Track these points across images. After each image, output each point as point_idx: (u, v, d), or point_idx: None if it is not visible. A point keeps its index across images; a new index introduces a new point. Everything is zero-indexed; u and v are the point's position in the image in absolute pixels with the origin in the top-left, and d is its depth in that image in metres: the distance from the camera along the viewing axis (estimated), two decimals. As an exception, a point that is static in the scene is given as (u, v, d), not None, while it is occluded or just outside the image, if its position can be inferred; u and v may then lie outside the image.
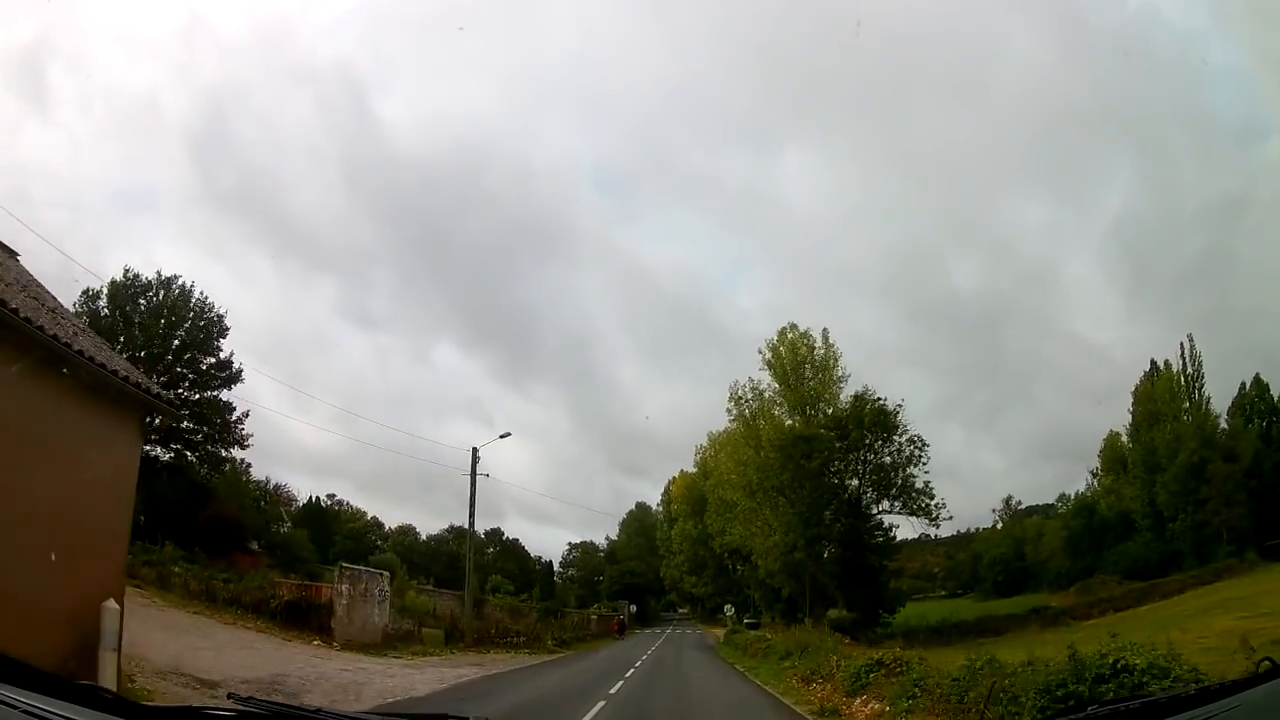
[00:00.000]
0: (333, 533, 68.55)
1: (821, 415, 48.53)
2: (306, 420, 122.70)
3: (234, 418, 41.17)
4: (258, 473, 63.82)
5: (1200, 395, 56.84)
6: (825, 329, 52.34)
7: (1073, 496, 72.78)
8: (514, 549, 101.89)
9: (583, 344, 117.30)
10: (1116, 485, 60.13)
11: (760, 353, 50.70)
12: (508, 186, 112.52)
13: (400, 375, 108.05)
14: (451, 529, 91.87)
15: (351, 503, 78.65)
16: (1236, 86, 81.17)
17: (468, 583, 36.07)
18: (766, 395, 51.29)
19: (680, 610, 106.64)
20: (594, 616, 58.24)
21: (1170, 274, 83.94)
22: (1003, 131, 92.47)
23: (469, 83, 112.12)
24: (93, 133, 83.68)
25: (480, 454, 36.08)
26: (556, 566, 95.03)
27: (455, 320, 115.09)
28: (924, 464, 45.88)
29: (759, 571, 55.46)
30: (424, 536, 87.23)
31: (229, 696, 2.21)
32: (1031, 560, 66.96)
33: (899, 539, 49.21)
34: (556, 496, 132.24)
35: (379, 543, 77.06)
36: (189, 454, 40.11)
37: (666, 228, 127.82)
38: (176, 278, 41.35)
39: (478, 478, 35.21)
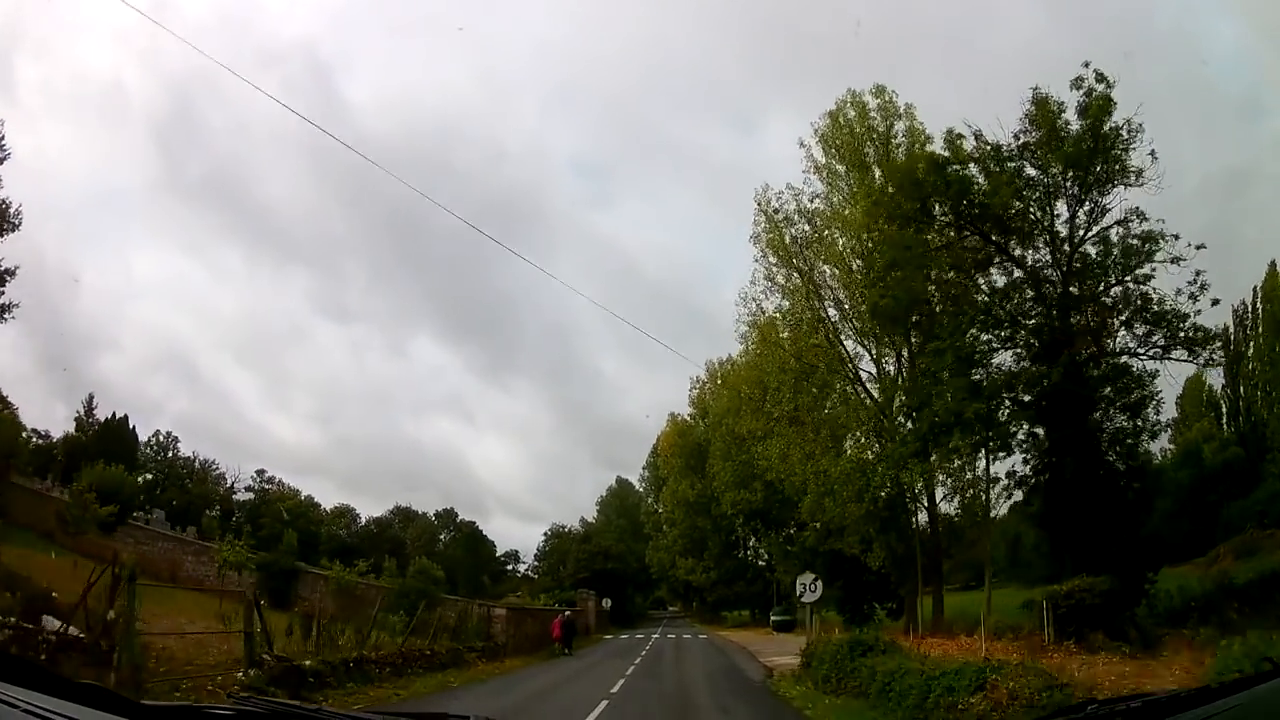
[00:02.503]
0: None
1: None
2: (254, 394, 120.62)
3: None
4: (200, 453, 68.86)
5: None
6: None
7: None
8: (472, 535, 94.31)
9: (562, 334, 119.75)
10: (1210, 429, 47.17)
11: (802, 144, 34.09)
12: (481, 169, 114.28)
13: (374, 366, 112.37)
14: (396, 510, 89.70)
15: (286, 481, 76.07)
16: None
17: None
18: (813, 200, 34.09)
19: (670, 608, 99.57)
20: (508, 610, 35.35)
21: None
22: (996, 105, 76.91)
23: (438, 63, 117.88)
24: (57, 119, 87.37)
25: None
26: (532, 560, 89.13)
27: (431, 312, 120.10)
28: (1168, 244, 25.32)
29: (805, 535, 40.79)
30: (364, 519, 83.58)
31: (229, 696, 2.40)
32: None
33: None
34: (539, 491, 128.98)
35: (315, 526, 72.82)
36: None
37: (647, 212, 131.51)
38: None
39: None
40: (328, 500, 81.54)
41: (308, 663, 15.08)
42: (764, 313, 34.46)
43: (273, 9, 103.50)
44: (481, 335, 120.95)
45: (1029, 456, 26.33)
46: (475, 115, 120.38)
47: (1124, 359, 25.04)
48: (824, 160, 32.94)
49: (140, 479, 66.58)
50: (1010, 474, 27.20)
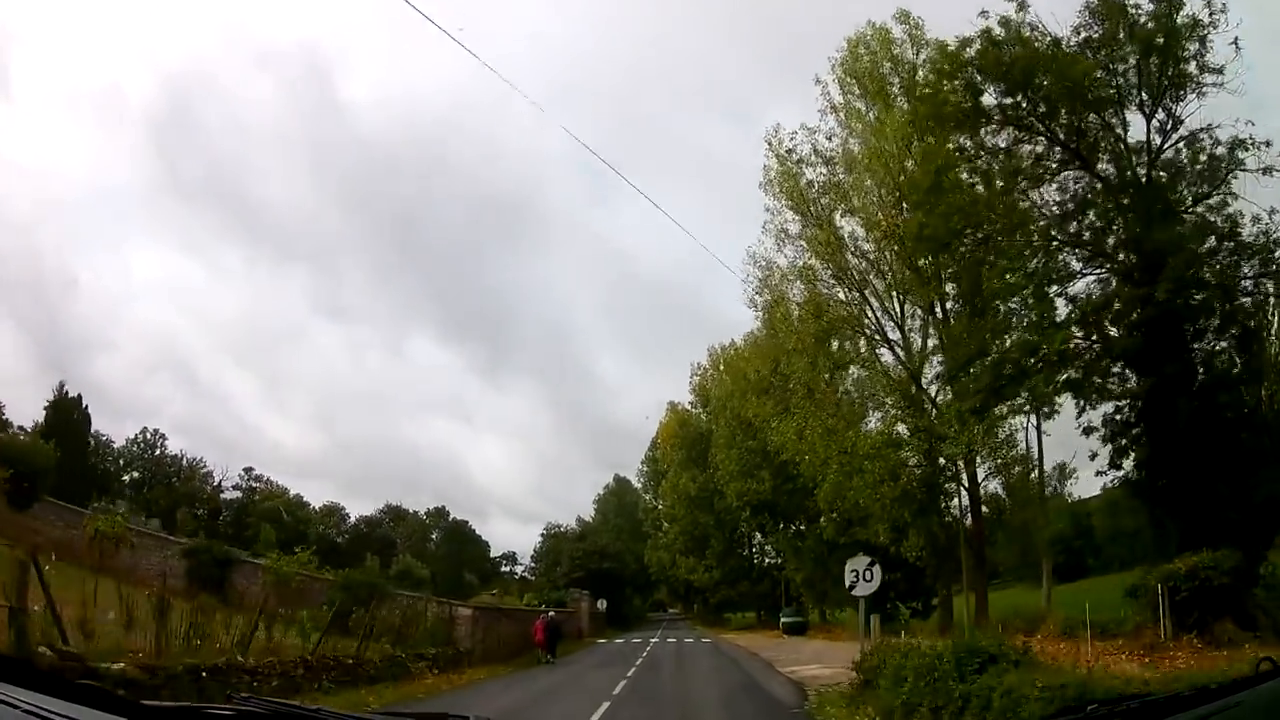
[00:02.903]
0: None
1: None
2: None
3: None
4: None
5: None
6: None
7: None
8: (463, 535, 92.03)
9: (563, 335, 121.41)
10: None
11: (818, 81, 29.76)
12: (480, 168, 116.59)
13: (370, 367, 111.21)
14: (387, 509, 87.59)
15: (274, 479, 74.39)
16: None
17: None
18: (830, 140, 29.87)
19: (670, 610, 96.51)
20: (475, 611, 29.34)
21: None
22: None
23: (436, 61, 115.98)
24: (57, 120, 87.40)
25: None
26: (529, 561, 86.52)
27: (429, 312, 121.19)
28: None
29: (822, 526, 36.48)
30: (353, 518, 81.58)
31: (228, 696, 2.20)
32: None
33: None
34: (538, 494, 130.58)
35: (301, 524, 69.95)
36: None
37: (646, 208, 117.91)
38: None
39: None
40: (321, 500, 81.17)
41: (119, 666, 10.38)
42: (778, 270, 31.08)
43: (271, 6, 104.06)
44: (479, 335, 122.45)
45: (1120, 407, 21.73)
46: (474, 111, 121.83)
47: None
48: (842, 99, 29.49)
49: (126, 476, 67.65)
50: (1093, 429, 22.20)
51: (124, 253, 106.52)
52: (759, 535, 56.22)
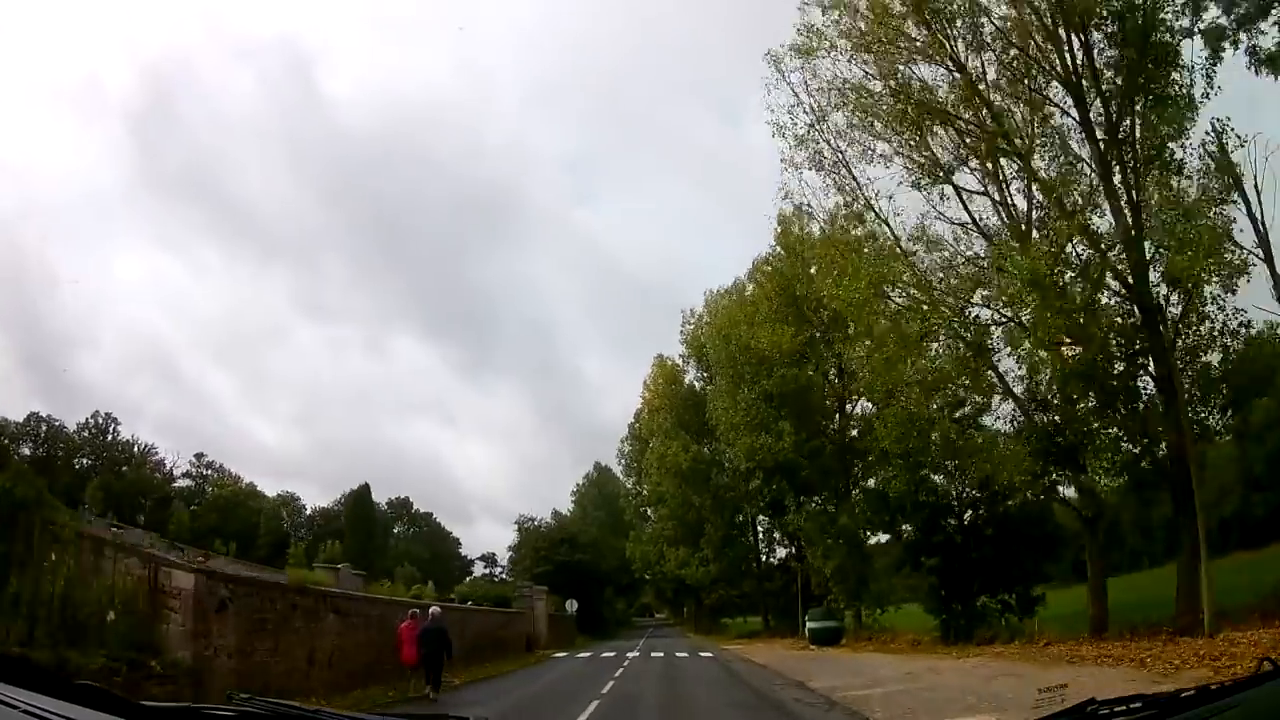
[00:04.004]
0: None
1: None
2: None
3: None
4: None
5: None
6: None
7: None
8: (429, 530, 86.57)
9: (546, 334, 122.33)
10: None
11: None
12: (463, 164, 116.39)
13: (351, 367, 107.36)
14: (345, 497, 78.15)
15: (229, 468, 70.88)
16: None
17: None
18: None
19: (658, 614, 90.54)
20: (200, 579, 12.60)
21: None
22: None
23: (419, 56, 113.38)
24: (33, 113, 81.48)
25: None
26: (505, 560, 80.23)
27: (413, 310, 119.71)
28: None
29: (888, 474, 27.99)
30: (309, 509, 77.76)
31: (228, 697, 2.24)
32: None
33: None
34: (521, 496, 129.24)
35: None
36: None
37: (633, 207, 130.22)
38: None
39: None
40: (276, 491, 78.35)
41: None
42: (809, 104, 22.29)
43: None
44: (461, 334, 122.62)
45: None
46: (456, 106, 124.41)
47: None
48: None
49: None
50: None
51: (102, 249, 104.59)
52: (767, 518, 45.98)
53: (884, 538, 32.80)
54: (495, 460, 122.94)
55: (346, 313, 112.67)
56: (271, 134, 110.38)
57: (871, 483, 34.76)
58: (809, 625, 35.01)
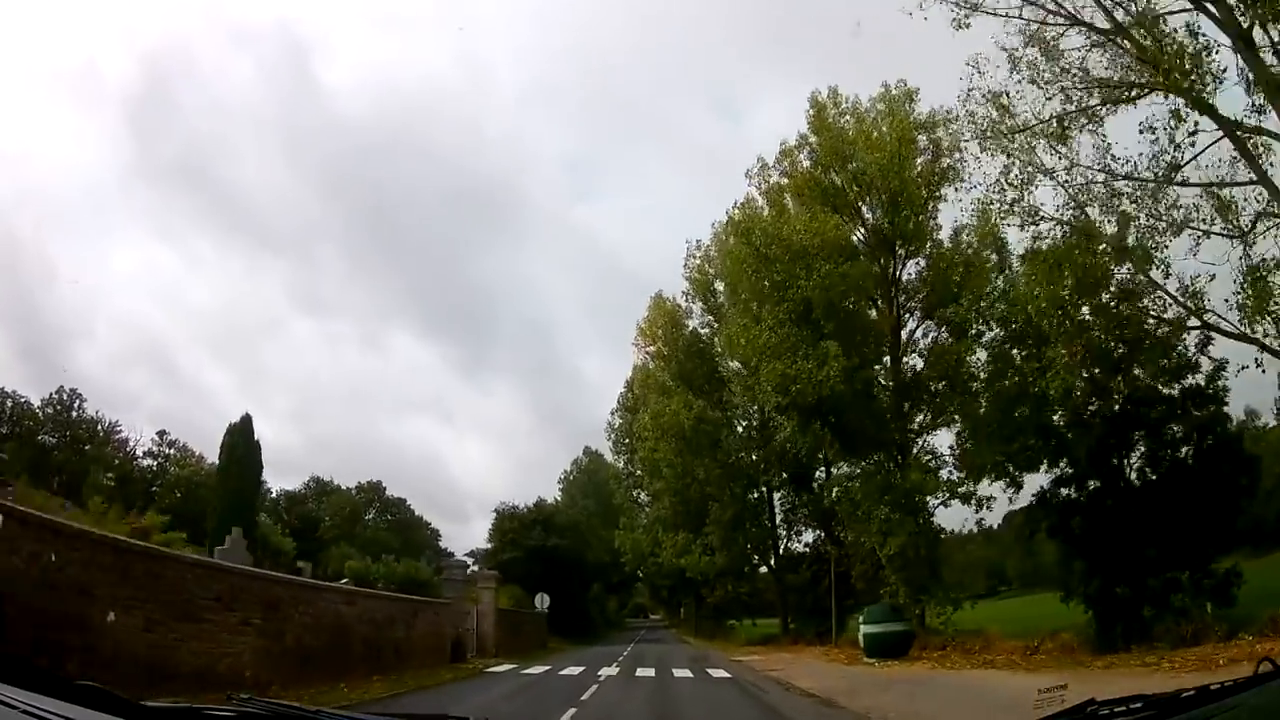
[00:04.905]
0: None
1: None
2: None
3: None
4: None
5: None
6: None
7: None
8: (402, 517, 76.77)
9: (544, 331, 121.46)
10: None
11: None
12: (461, 158, 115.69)
13: (347, 362, 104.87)
14: (310, 482, 73.57)
15: (192, 447, 63.43)
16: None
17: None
18: None
19: (653, 615, 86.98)
20: None
21: None
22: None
23: (417, 45, 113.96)
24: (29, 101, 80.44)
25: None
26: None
27: (410, 305, 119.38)
28: None
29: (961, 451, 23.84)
30: (275, 492, 70.97)
31: (229, 697, 2.20)
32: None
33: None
34: (517, 493, 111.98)
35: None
36: None
37: (632, 204, 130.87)
38: None
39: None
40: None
41: None
42: None
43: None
44: (459, 330, 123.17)
45: None
46: (455, 98, 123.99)
47: None
48: None
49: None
50: None
51: (93, 238, 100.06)
52: (790, 493, 36.15)
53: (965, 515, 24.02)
54: (492, 459, 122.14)
55: (343, 307, 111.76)
56: (268, 122, 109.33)
57: (939, 437, 26.32)
58: (865, 629, 24.39)
